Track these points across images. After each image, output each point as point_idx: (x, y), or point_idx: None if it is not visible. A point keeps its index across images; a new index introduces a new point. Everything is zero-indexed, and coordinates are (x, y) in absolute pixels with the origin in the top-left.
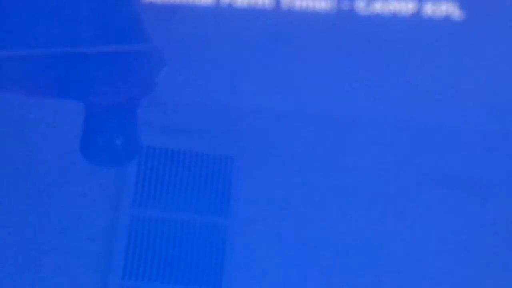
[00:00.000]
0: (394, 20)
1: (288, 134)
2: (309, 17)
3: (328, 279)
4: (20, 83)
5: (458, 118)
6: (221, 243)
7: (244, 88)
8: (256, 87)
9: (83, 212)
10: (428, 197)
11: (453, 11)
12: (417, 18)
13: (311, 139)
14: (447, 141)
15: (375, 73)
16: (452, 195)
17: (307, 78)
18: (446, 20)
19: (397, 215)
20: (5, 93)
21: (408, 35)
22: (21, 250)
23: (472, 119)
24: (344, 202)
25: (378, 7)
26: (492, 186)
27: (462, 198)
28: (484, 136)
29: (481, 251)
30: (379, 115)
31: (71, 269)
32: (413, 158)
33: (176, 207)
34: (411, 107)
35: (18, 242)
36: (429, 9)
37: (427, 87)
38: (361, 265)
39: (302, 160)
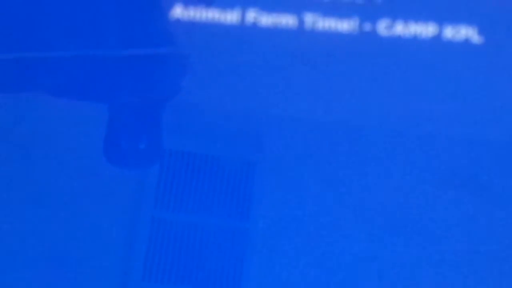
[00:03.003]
0: (414, 42)
1: (310, 142)
2: (331, 38)
3: (349, 284)
4: (45, 85)
5: (475, 140)
6: (242, 247)
7: (268, 95)
8: (280, 94)
9: (104, 213)
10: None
11: (473, 35)
12: (437, 41)
13: (332, 147)
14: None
15: (395, 93)
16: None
17: (330, 87)
18: (466, 43)
19: (414, 222)
20: (29, 95)
21: (428, 58)
22: (41, 252)
23: (490, 141)
24: (365, 209)
25: (399, 30)
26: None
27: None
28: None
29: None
30: (398, 131)
31: (91, 270)
32: (425, 165)
33: (197, 211)
34: (429, 126)
35: (39, 244)
36: (449, 32)
37: (445, 109)
38: (378, 268)
39: (323, 166)
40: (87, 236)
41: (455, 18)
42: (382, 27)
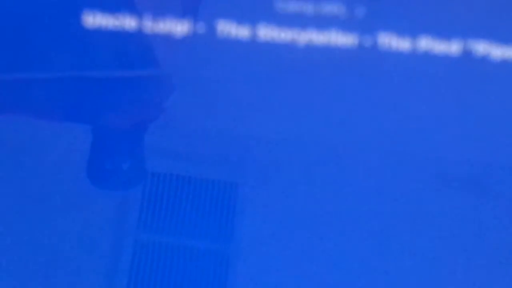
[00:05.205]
0: (397, 54)
1: (292, 162)
2: (313, 51)
3: None
4: (29, 107)
5: (456, 151)
6: (224, 269)
7: (250, 115)
8: (261, 115)
9: (87, 235)
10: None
11: (454, 48)
12: (419, 53)
13: (314, 167)
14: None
15: (378, 104)
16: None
17: (312, 108)
18: (446, 55)
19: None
20: (12, 116)
21: (410, 69)
22: (25, 274)
23: (470, 152)
24: (350, 228)
25: (383, 42)
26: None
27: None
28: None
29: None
30: (381, 144)
31: None
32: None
33: (180, 233)
34: (411, 136)
35: (22, 266)
36: (429, 45)
37: (426, 118)
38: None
39: (306, 187)
40: (70, 258)
41: (441, 32)
42: (367, 41)
